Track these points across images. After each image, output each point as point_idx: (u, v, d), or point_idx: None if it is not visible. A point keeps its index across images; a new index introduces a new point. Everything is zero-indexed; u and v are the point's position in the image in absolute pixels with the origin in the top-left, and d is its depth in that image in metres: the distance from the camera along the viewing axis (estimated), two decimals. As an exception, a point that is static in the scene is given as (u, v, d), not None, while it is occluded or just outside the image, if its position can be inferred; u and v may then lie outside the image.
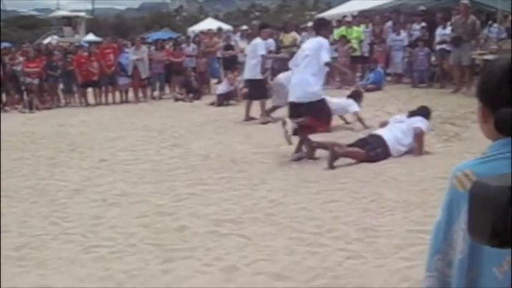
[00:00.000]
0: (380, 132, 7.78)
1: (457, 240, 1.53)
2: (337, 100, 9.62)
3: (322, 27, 8.01)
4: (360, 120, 9.48)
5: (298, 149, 7.79)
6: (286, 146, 8.32)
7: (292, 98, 7.65)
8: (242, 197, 6.06)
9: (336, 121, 9.49)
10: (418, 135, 7.59)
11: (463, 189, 1.47)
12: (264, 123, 10.61)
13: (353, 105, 9.60)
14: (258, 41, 11.22)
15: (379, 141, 7.53)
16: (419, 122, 7.68)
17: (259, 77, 11.26)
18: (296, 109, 7.58)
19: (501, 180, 1.24)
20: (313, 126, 7.62)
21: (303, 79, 7.52)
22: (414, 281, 3.83)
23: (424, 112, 7.98)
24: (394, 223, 5.07)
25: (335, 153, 7.25)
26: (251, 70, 11.19)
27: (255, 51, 11.16)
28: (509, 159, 1.40)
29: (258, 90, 11.20)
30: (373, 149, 7.42)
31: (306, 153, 7.76)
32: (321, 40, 7.64)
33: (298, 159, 7.65)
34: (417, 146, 7.58)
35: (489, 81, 1.49)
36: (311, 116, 7.46)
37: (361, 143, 7.63)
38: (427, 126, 7.75)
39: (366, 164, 7.25)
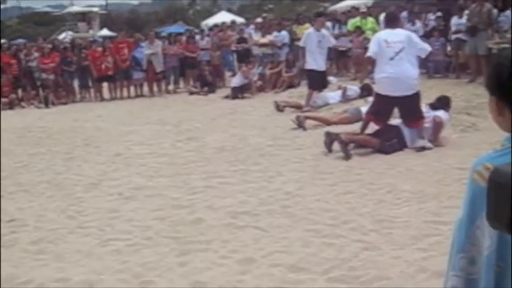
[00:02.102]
0: (397, 122, 7.74)
1: (480, 237, 1.50)
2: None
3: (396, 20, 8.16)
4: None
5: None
6: (302, 138, 8.33)
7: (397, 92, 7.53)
8: (258, 189, 6.06)
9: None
10: (437, 124, 7.54)
11: (484, 183, 1.44)
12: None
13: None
14: (326, 32, 11.32)
15: (395, 131, 7.48)
16: (440, 114, 7.65)
17: (323, 68, 11.23)
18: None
19: None
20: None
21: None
22: (431, 272, 3.81)
23: (444, 103, 7.90)
24: (410, 214, 5.04)
25: (343, 141, 7.22)
26: (317, 61, 11.06)
27: (324, 42, 11.11)
28: None
29: (318, 81, 11.17)
30: (388, 139, 7.38)
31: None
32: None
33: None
34: (433, 134, 7.54)
35: (501, 74, 1.46)
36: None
37: (377, 133, 7.60)
38: (447, 119, 7.70)
39: (381, 155, 7.22)
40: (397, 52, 7.48)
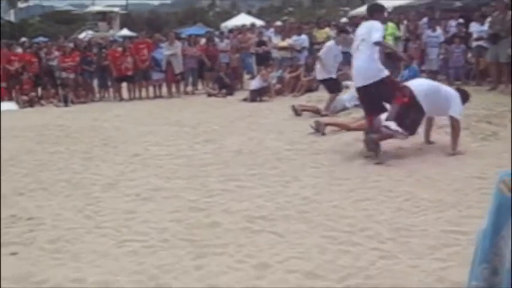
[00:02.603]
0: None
1: (504, 247, 1.48)
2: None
3: (376, 12, 7.88)
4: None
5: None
6: (320, 143, 8.29)
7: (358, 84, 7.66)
8: (275, 194, 6.05)
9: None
10: (455, 128, 7.41)
11: (510, 193, 1.42)
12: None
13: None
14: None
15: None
16: (455, 104, 7.43)
17: (334, 76, 11.50)
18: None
19: None
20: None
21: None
22: (449, 282, 3.77)
23: (462, 96, 7.67)
24: (428, 223, 5.00)
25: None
26: (330, 71, 11.38)
27: (339, 56, 11.47)
28: None
29: (333, 86, 11.41)
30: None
31: None
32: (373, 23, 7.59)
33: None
34: (452, 140, 7.44)
35: None
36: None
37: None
38: (460, 114, 7.52)
39: (400, 162, 7.18)
40: (358, 44, 7.60)
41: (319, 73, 11.47)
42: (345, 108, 11.09)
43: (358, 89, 7.71)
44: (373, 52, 7.43)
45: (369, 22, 7.68)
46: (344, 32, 12.30)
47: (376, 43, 7.40)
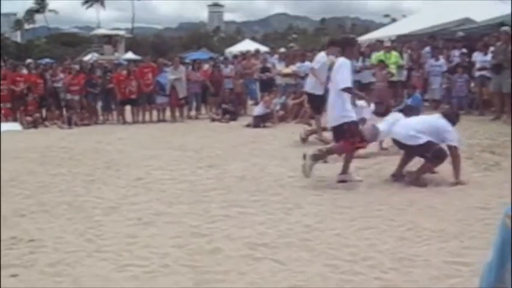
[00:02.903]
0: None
1: (508, 280, 1.48)
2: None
3: (347, 46, 7.80)
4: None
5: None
6: (322, 171, 8.29)
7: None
8: (277, 221, 6.03)
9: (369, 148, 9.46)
10: (455, 157, 7.38)
11: None
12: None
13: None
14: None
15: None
16: (446, 133, 7.35)
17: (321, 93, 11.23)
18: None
19: None
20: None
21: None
22: (452, 314, 3.74)
23: (451, 120, 7.55)
24: (430, 253, 4.97)
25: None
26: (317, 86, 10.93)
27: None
28: None
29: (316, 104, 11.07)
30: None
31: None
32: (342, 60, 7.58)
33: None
34: (454, 170, 7.42)
35: None
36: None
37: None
38: (458, 140, 7.47)
39: (402, 191, 7.17)
40: (329, 79, 7.76)
41: (311, 86, 11.06)
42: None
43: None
44: (339, 95, 7.51)
45: (338, 60, 7.67)
46: (334, 44, 12.09)
47: (342, 89, 7.46)
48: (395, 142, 7.90)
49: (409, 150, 7.64)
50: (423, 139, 7.33)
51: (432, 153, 7.35)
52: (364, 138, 7.82)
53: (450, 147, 7.35)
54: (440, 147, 7.40)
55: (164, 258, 5.02)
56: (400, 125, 7.89)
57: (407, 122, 7.95)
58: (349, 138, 7.54)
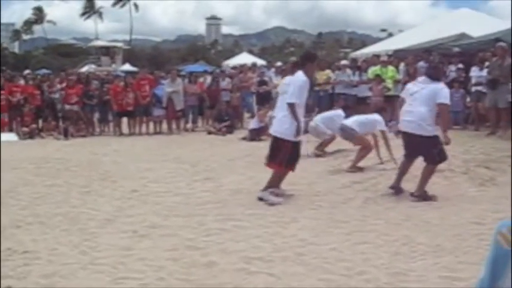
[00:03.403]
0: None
1: None
2: (361, 118, 9.90)
3: (308, 61, 7.81)
4: (386, 141, 9.55)
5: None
6: (319, 184, 8.30)
7: None
8: (272, 235, 6.03)
9: (365, 161, 9.50)
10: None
11: (508, 246, 1.44)
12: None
13: (380, 123, 9.66)
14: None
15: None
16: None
17: None
18: None
19: None
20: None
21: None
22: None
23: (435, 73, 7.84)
24: (425, 268, 4.98)
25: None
26: None
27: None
28: None
29: None
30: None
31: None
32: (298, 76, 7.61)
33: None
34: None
35: None
36: None
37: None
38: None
39: (397, 205, 7.19)
40: (282, 93, 7.84)
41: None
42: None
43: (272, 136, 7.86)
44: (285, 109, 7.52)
45: (295, 75, 7.67)
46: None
47: (288, 104, 7.49)
48: (404, 135, 7.78)
49: (417, 144, 7.56)
50: (433, 131, 7.42)
51: (438, 151, 7.42)
52: (294, 164, 7.77)
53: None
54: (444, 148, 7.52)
55: (159, 271, 5.01)
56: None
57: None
58: (283, 156, 7.54)
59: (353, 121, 9.85)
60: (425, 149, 7.43)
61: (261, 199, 7.53)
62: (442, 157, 7.52)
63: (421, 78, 7.75)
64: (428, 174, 7.51)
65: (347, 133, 9.83)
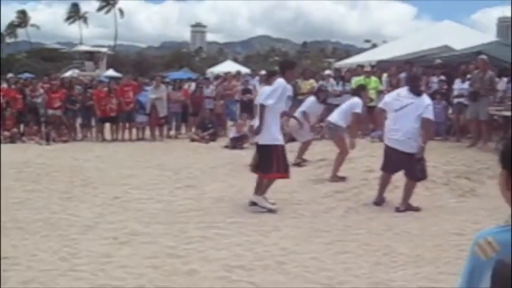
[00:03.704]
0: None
1: None
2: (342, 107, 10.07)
3: (287, 69, 7.88)
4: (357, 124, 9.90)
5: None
6: (301, 193, 8.31)
7: None
8: (254, 243, 6.03)
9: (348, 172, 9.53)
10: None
11: (484, 257, 1.45)
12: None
13: (358, 105, 9.70)
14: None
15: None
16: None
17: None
18: None
19: None
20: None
21: None
22: None
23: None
24: (406, 278, 5.01)
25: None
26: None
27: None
28: None
29: None
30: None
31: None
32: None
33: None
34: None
35: None
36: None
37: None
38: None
39: (379, 215, 7.23)
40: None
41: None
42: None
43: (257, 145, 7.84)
44: (270, 116, 7.50)
45: (277, 80, 7.76)
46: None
47: (260, 104, 7.54)
48: (388, 150, 7.78)
49: (401, 161, 7.58)
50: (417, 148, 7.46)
51: (420, 167, 7.48)
52: (286, 168, 7.70)
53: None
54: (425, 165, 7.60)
55: (140, 279, 4.98)
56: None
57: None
58: (274, 160, 7.53)
59: (336, 115, 9.87)
60: (408, 165, 7.49)
61: (254, 203, 7.51)
62: (423, 175, 7.62)
63: (404, 93, 7.76)
64: (410, 188, 7.58)
65: (333, 130, 9.81)
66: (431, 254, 5.68)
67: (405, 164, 7.51)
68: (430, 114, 7.47)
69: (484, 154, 10.78)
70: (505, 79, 14.52)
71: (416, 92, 7.62)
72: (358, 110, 9.61)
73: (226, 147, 14.23)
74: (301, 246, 5.94)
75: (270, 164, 7.52)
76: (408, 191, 7.57)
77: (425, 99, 7.66)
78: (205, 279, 4.97)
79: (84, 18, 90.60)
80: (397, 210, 7.50)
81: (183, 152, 13.65)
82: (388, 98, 8.11)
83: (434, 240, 6.15)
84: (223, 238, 6.24)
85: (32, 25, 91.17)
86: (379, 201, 7.83)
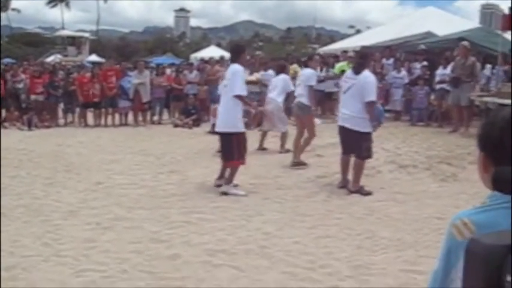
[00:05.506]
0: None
1: None
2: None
3: (239, 53, 7.94)
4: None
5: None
6: (284, 178, 8.34)
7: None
8: (236, 228, 6.06)
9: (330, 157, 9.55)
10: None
11: (461, 237, 1.47)
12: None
13: (311, 79, 9.69)
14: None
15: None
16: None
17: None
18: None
19: (497, 238, 1.25)
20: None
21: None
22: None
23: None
24: (387, 262, 5.07)
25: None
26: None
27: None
28: (509, 209, 1.41)
29: None
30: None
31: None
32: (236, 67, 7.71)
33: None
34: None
35: (491, 132, 1.47)
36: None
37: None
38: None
39: (361, 200, 7.29)
40: (224, 87, 7.97)
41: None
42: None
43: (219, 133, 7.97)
44: (235, 103, 7.63)
45: (233, 67, 7.81)
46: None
47: (236, 96, 7.61)
48: (341, 130, 7.84)
49: (351, 140, 7.64)
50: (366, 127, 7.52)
51: (366, 146, 7.58)
52: (244, 155, 7.84)
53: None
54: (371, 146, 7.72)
55: (122, 264, 4.99)
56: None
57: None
58: (236, 148, 7.64)
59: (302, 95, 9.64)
60: (356, 143, 7.58)
61: (225, 193, 7.54)
62: (368, 153, 7.69)
63: (349, 74, 7.85)
64: (359, 169, 7.67)
65: (303, 110, 9.63)
66: (412, 237, 5.75)
67: (353, 142, 7.59)
68: (369, 96, 7.43)
69: (465, 139, 10.87)
70: (489, 66, 14.66)
71: (356, 70, 7.67)
72: (313, 82, 9.61)
73: (209, 132, 14.19)
74: (283, 231, 5.98)
75: (231, 152, 7.65)
76: (357, 173, 7.67)
77: (364, 76, 7.56)
78: (188, 264, 5.00)
79: (66, 2, 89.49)
80: (349, 191, 7.63)
81: (166, 137, 13.61)
82: (341, 81, 8.20)
83: (415, 224, 6.22)
84: (206, 223, 6.26)
85: (13, 9, 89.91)
86: (344, 184, 7.87)
